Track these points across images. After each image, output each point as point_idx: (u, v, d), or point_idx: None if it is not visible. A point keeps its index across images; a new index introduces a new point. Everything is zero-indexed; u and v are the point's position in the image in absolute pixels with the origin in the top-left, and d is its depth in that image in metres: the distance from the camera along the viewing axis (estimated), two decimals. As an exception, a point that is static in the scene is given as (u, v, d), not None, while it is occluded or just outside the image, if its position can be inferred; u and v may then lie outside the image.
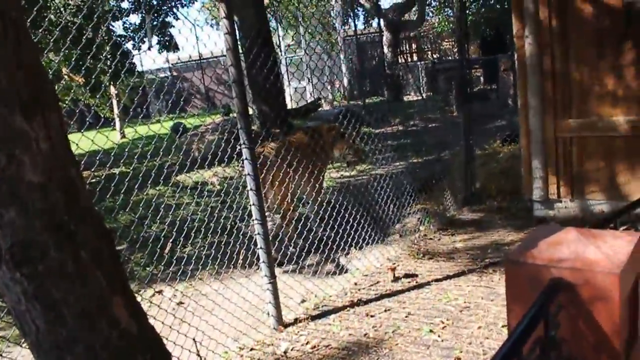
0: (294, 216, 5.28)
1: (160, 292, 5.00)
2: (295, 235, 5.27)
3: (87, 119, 3.82)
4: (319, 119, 14.94)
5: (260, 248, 3.74)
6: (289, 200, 5.00)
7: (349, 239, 4.92)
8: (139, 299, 4.75)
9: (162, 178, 4.12)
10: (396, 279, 4.34)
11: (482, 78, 17.85)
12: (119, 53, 14.48)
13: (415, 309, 3.78)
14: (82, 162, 3.19)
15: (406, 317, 3.69)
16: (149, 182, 3.77)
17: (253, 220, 3.73)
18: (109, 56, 14.60)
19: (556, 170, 5.30)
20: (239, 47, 3.59)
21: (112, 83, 16.50)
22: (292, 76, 23.07)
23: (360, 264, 4.78)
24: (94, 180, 10.91)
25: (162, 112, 29.95)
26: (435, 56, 22.07)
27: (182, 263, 4.73)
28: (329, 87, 21.16)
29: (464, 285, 4.04)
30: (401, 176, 6.47)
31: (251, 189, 3.68)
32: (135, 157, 4.16)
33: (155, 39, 17.74)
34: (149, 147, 3.83)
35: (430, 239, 5.24)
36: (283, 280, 4.25)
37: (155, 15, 17.17)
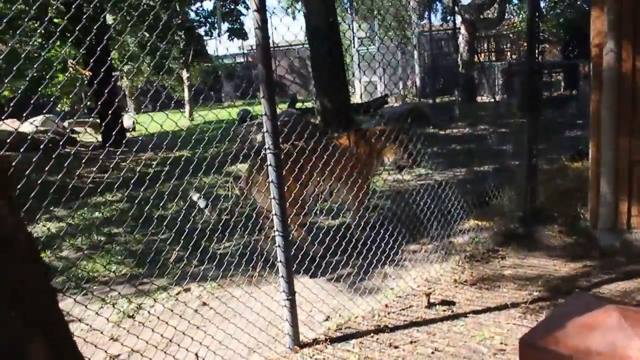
0: (303, 222, 4.96)
1: (188, 289, 4.85)
2: (316, 244, 4.93)
3: (162, 100, 3.90)
4: (385, 115, 14.53)
5: (280, 261, 3.47)
6: (297, 206, 4.63)
7: (390, 252, 4.58)
8: (164, 295, 4.67)
9: (216, 167, 4.04)
10: (431, 305, 3.95)
11: (562, 83, 16.78)
12: (190, 38, 14.65)
13: (445, 345, 3.40)
14: (151, 144, 3.22)
15: (432, 353, 3.31)
16: (202, 170, 3.55)
17: (275, 231, 3.46)
18: (181, 41, 14.81)
19: (629, 196, 4.72)
20: (270, 41, 3.31)
21: (183, 67, 16.81)
22: (363, 71, 22.69)
23: (395, 284, 4.42)
24: (154, 163, 11.11)
25: (232, 98, 30.43)
26: (514, 57, 21.01)
27: (215, 262, 4.52)
28: (400, 84, 20.63)
29: (503, 322, 3.60)
30: (458, 185, 6.03)
31: (274, 198, 3.41)
32: (200, 143, 3.96)
33: (225, 26, 17.82)
34: (213, 132, 3.67)
35: (478, 260, 4.79)
36: (310, 289, 3.98)
37: (226, 1, 17.21)
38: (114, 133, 3.75)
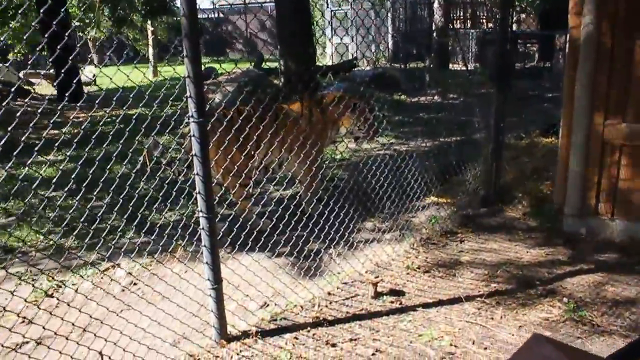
0: (242, 194, 4.48)
1: (117, 265, 4.38)
2: (258, 218, 4.48)
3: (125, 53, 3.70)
4: (352, 79, 14.00)
5: (205, 246, 3.01)
6: (236, 175, 4.15)
7: (341, 231, 4.17)
8: (90, 272, 4.17)
9: (170, 127, 3.54)
10: (378, 295, 3.56)
11: (537, 54, 16.43)
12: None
13: (387, 345, 3.01)
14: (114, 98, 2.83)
15: (373, 354, 2.93)
16: (156, 129, 3.04)
17: (199, 211, 2.98)
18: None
19: (598, 181, 4.37)
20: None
21: (145, 20, 15.85)
22: (335, 32, 21.92)
23: (341, 268, 4.01)
24: (108, 119, 10.42)
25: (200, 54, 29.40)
26: (489, 26, 20.52)
27: (154, 234, 4.01)
28: (372, 47, 20.02)
29: (455, 319, 3.24)
30: (420, 158, 5.62)
31: (198, 174, 2.92)
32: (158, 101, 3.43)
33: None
34: (172, 90, 3.15)
35: (434, 243, 4.41)
36: (248, 270, 3.53)
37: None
38: (69, 86, 3.22)
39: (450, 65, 18.39)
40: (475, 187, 5.36)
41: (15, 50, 17.40)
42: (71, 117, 8.85)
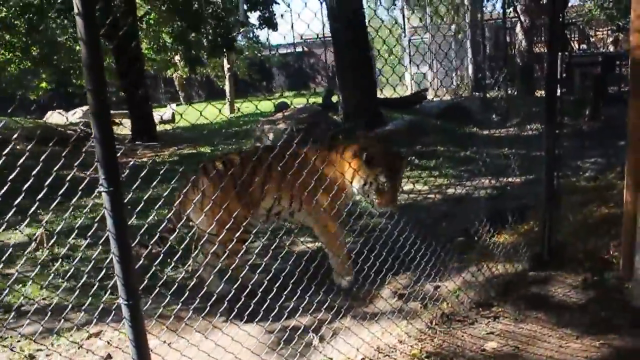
0: (236, 249, 3.82)
1: (97, 334, 3.95)
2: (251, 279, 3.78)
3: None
4: (421, 112, 13.23)
5: (129, 339, 2.44)
6: (231, 228, 3.54)
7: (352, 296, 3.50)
8: (73, 337, 3.72)
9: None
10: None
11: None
12: (220, 26, 13.83)
13: None
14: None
15: None
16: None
17: (120, 297, 2.42)
18: (212, 30, 14.00)
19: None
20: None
21: (214, 57, 15.99)
22: (415, 63, 21.11)
23: (336, 350, 3.29)
24: (171, 159, 10.34)
25: (283, 88, 29.68)
26: (582, 47, 18.94)
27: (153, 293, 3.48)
28: (453, 76, 19.08)
29: None
30: (469, 204, 4.82)
31: (114, 254, 2.37)
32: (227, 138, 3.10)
33: (256, 15, 16.89)
34: (243, 126, 2.79)
35: (460, 320, 3.58)
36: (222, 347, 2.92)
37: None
38: (143, 127, 2.92)
39: (538, 92, 17.04)
40: (526, 244, 4.45)
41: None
42: (134, 158, 8.77)
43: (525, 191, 6.16)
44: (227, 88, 20.45)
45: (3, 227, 2.35)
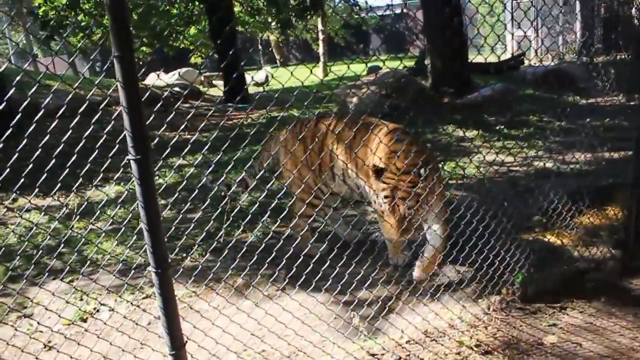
0: (307, 214, 3.73)
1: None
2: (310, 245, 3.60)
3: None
4: (519, 78, 12.42)
5: (159, 307, 2.43)
6: (304, 192, 3.52)
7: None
8: (127, 299, 3.87)
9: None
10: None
11: None
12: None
13: None
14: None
15: None
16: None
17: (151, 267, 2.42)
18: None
19: None
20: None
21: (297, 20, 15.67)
22: (518, 24, 19.75)
23: (396, 327, 3.13)
24: (260, 121, 10.45)
25: (379, 51, 29.06)
26: None
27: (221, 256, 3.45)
28: (559, 39, 17.70)
29: None
30: (557, 179, 4.45)
31: (142, 222, 2.35)
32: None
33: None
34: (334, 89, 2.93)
35: (521, 308, 3.31)
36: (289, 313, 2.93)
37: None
38: (236, 89, 3.17)
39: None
40: (612, 228, 4.03)
41: (196, 55, 18.75)
42: (224, 119, 8.91)
43: (621, 169, 5.58)
44: (320, 50, 20.32)
45: (97, 181, 2.44)
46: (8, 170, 2.14)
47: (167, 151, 2.49)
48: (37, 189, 2.36)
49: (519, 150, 7.06)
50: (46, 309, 2.97)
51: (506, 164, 6.52)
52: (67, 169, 2.24)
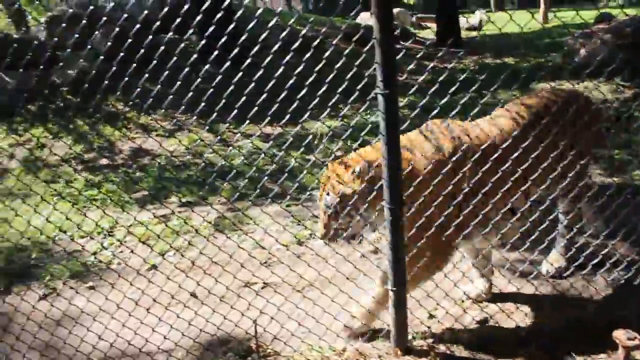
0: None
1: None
2: None
3: None
4: None
5: (388, 242, 2.52)
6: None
7: None
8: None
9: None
10: None
11: None
12: None
13: None
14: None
15: None
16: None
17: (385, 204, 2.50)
18: None
19: None
20: None
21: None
22: None
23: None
24: (472, 67, 10.04)
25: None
26: None
27: None
28: None
29: None
30: None
31: (383, 156, 2.42)
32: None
33: None
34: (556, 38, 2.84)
35: None
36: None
37: None
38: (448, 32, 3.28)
39: None
40: None
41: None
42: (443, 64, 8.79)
43: None
44: (544, -5, 18.65)
45: (305, 116, 2.61)
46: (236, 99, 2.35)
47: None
48: (268, 118, 2.53)
49: None
50: (265, 231, 3.29)
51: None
52: (296, 102, 2.35)
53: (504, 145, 2.70)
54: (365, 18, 14.85)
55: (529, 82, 7.27)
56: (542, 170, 2.70)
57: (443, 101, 2.50)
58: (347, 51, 2.38)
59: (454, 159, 2.63)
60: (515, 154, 2.55)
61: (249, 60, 2.31)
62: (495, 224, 2.78)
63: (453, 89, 2.48)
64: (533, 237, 2.75)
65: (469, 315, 3.00)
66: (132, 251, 3.67)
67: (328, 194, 2.73)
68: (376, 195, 2.60)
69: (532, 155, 2.57)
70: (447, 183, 2.60)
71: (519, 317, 3.00)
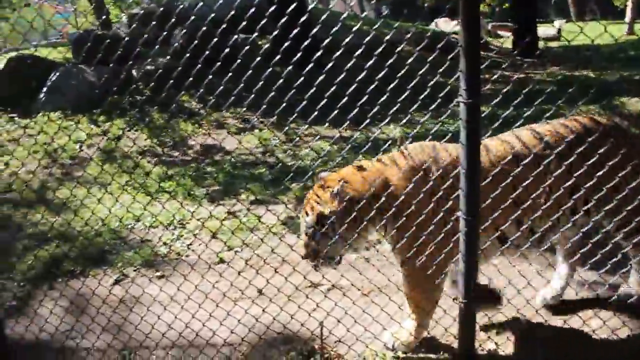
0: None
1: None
2: None
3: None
4: None
5: (461, 252, 2.47)
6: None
7: None
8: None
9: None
10: None
11: None
12: None
13: None
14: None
15: None
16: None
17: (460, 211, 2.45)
18: None
19: None
20: None
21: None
22: None
23: None
24: (550, 79, 9.70)
25: None
26: None
27: None
28: None
29: None
30: None
31: (462, 166, 2.37)
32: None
33: None
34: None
35: None
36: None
37: None
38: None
39: None
40: None
41: (484, 2, 17.98)
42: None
43: None
44: (628, 5, 17.78)
45: (366, 122, 2.60)
46: (305, 102, 2.36)
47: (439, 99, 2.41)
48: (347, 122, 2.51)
49: None
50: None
51: None
52: (357, 107, 2.36)
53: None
54: (440, 24, 14.66)
55: (610, 97, 6.99)
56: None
57: (527, 113, 2.43)
58: (430, 58, 2.35)
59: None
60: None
61: (331, 64, 2.33)
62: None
63: (539, 100, 2.40)
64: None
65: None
66: (206, 245, 3.76)
67: (307, 214, 2.73)
68: (355, 217, 2.62)
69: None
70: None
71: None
